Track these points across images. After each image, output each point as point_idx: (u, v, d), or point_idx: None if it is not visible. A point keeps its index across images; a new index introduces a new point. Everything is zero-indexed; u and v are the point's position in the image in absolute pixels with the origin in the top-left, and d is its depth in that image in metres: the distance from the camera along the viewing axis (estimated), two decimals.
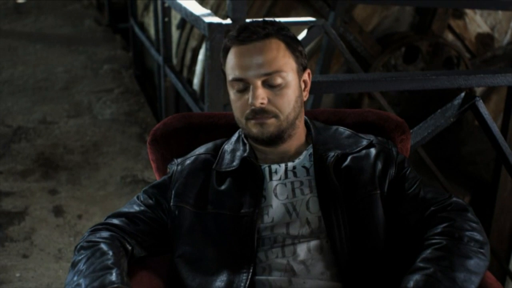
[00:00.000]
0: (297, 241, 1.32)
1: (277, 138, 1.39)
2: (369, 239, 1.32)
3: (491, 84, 2.29)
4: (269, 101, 1.34)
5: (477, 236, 1.28)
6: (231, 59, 1.37)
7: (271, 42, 1.35)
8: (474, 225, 1.30)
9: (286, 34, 1.38)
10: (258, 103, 1.33)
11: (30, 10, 7.60)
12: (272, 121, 1.36)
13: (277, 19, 1.42)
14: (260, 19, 1.41)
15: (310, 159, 1.41)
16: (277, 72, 1.34)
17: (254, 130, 1.37)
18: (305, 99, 1.44)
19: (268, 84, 1.34)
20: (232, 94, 1.39)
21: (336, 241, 1.30)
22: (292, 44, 1.38)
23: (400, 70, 4.21)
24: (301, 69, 1.41)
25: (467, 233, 1.27)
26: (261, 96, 1.33)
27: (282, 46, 1.36)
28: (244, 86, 1.36)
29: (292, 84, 1.36)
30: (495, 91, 4.51)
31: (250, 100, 1.34)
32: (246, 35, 1.35)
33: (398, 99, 4.29)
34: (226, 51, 1.40)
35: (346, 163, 1.39)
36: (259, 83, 1.33)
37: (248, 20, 1.48)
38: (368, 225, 1.33)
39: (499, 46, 4.69)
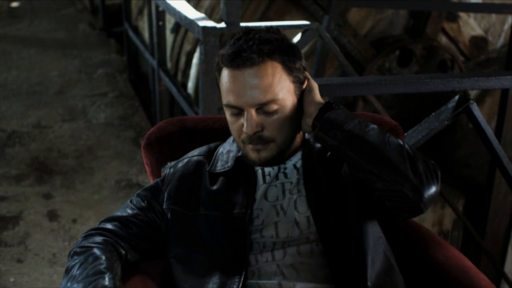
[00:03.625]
0: (287, 245, 1.31)
1: (275, 159, 1.36)
2: (359, 239, 1.30)
3: (485, 87, 2.30)
4: (265, 127, 1.31)
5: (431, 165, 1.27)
6: (225, 81, 1.31)
7: (267, 66, 1.27)
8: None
9: (284, 52, 1.30)
10: (252, 132, 1.30)
11: (24, 14, 7.58)
12: (268, 146, 1.33)
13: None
14: (257, 28, 1.32)
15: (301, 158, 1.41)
16: (272, 101, 1.28)
17: (252, 155, 1.35)
18: None
19: (263, 111, 1.30)
20: (228, 115, 1.36)
21: (327, 243, 1.29)
22: (289, 64, 1.30)
23: (395, 73, 4.22)
24: (299, 86, 1.34)
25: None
26: (255, 124, 1.29)
27: (278, 69, 1.28)
28: (238, 111, 1.32)
29: (288, 106, 1.31)
30: (489, 94, 4.52)
31: (244, 128, 1.30)
32: (240, 62, 1.27)
33: (393, 102, 4.30)
34: (219, 69, 1.34)
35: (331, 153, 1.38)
36: (253, 111, 1.29)
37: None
38: (357, 222, 1.32)
39: (493, 49, 4.70)
